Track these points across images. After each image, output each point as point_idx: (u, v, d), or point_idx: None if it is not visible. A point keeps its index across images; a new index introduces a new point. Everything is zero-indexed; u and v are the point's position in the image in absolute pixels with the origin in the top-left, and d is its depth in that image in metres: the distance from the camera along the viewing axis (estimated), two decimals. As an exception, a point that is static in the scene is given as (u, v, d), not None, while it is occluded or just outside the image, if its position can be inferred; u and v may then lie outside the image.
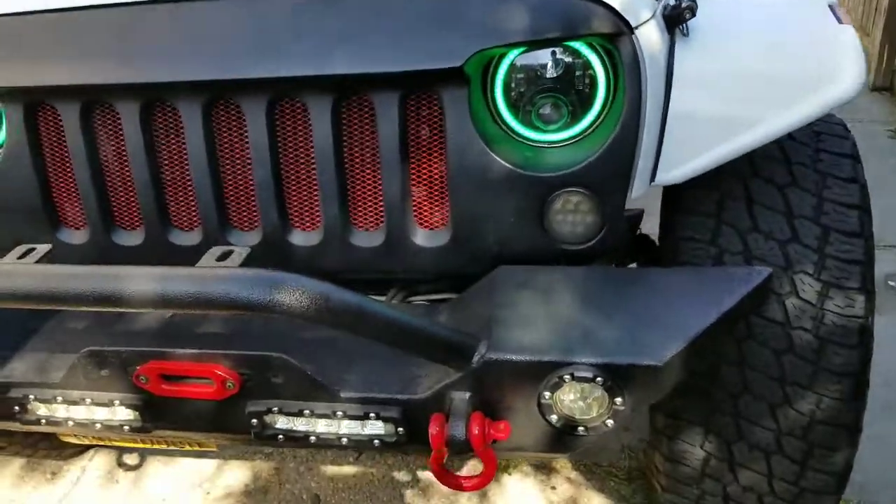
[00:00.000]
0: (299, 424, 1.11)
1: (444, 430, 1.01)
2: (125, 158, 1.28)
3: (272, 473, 2.10)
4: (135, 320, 1.26)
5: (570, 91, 1.17)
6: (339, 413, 1.08)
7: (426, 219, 1.28)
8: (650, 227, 1.41)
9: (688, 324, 1.04)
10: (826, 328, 1.24)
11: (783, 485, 1.37)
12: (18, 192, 1.32)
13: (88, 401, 1.14)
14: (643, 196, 1.23)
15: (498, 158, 1.17)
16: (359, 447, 1.12)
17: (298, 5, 1.16)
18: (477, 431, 1.00)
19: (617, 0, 1.10)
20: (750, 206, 1.31)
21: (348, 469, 2.10)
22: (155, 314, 1.24)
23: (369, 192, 1.27)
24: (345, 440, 1.11)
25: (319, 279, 0.92)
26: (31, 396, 1.16)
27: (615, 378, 1.00)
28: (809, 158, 1.36)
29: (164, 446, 1.38)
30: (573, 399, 1.03)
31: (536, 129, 1.20)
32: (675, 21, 1.19)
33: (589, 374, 1.00)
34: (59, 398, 1.15)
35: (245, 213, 1.31)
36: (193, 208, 1.32)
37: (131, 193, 1.32)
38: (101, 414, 1.16)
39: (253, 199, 1.29)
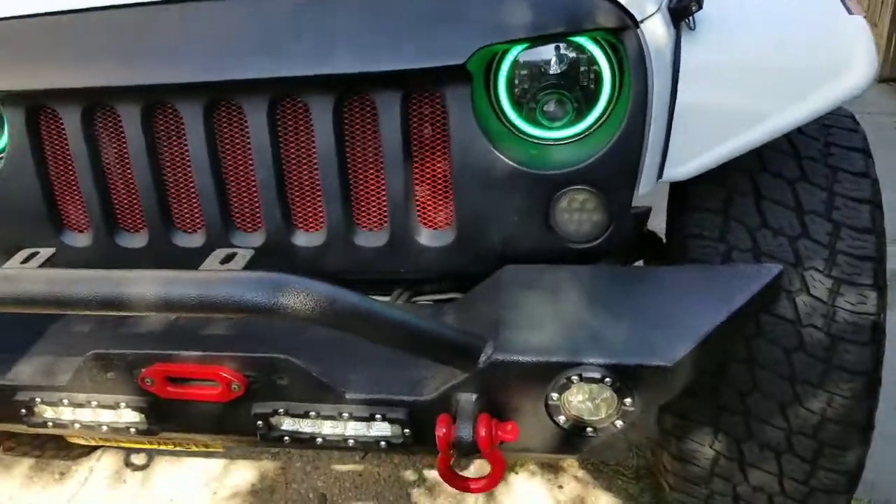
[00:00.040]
0: (305, 426, 1.10)
1: (451, 432, 1.01)
2: (127, 161, 1.28)
3: (279, 473, 2.11)
4: (140, 323, 1.25)
5: (575, 87, 1.16)
6: (345, 414, 1.07)
7: (430, 218, 1.27)
8: (656, 223, 1.40)
9: (697, 323, 1.02)
10: (837, 325, 1.23)
11: (794, 484, 1.36)
12: (21, 195, 1.32)
13: (94, 403, 1.14)
14: (650, 193, 1.21)
15: (502, 156, 1.16)
16: (365, 448, 1.12)
17: (299, 5, 1.15)
18: (484, 433, 0.99)
19: (622, -6, 1.08)
20: (759, 202, 1.30)
21: (354, 468, 2.10)
22: (160, 317, 1.23)
23: (372, 192, 1.26)
24: (351, 441, 1.10)
25: (324, 281, 0.91)
26: (38, 399, 1.16)
27: (624, 379, 0.99)
28: (819, 152, 1.34)
29: (170, 447, 1.38)
30: (581, 400, 1.02)
31: (541, 126, 1.19)
32: (682, 14, 1.17)
33: (597, 375, 0.99)
34: (66, 401, 1.15)
35: (248, 215, 1.31)
36: (196, 210, 1.31)
37: (134, 196, 1.32)
38: (106, 416, 1.16)
39: (256, 200, 1.28)
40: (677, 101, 1.17)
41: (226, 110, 1.23)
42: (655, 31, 1.12)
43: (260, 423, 1.11)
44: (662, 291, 1.13)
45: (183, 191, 1.30)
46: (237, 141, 1.25)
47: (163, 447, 1.38)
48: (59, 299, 0.88)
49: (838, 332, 1.23)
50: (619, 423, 1.03)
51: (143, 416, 1.14)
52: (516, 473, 2.03)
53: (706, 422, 1.35)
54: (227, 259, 0.95)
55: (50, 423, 1.18)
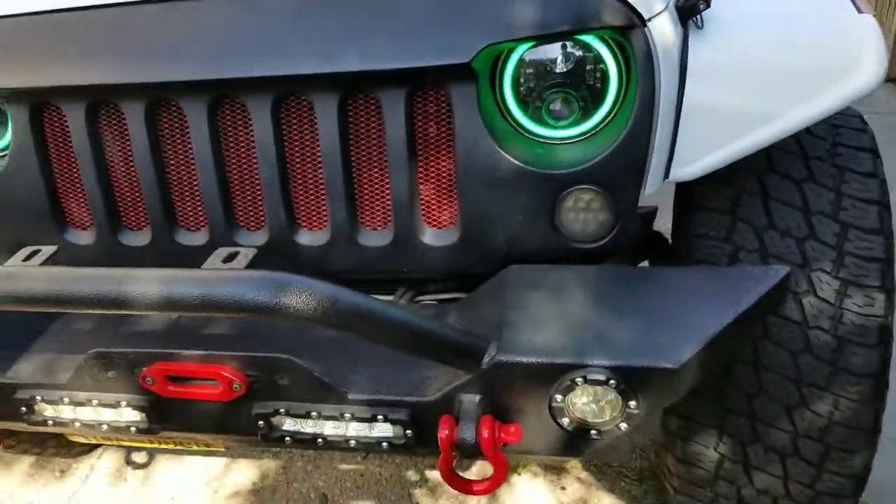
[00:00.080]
0: (306, 426, 1.09)
1: (454, 434, 1.00)
2: (131, 158, 1.28)
3: (280, 472, 2.10)
4: (141, 321, 1.25)
5: (581, 86, 1.15)
6: (347, 415, 1.07)
7: (435, 217, 1.26)
8: (662, 223, 1.39)
9: (704, 325, 1.01)
10: (844, 328, 1.22)
11: (799, 487, 1.35)
12: (25, 193, 1.31)
13: (95, 402, 1.14)
14: (656, 193, 1.20)
15: (507, 156, 1.15)
16: (367, 449, 1.11)
17: (304, 2, 1.14)
18: (487, 435, 0.98)
19: (629, -8, 1.07)
20: (766, 203, 1.29)
21: (356, 468, 2.09)
22: (161, 315, 1.23)
23: (377, 191, 1.25)
24: (353, 442, 1.09)
25: (327, 280, 0.90)
26: (38, 397, 1.16)
27: (629, 381, 0.98)
28: (827, 153, 1.32)
29: (171, 446, 1.38)
30: (586, 402, 1.01)
31: (547, 125, 1.18)
32: (689, 12, 1.16)
33: (602, 377, 0.98)
34: (66, 399, 1.14)
35: (252, 213, 1.30)
36: (200, 208, 1.31)
37: (137, 194, 1.31)
38: (107, 415, 1.15)
39: (259, 198, 1.28)
40: (684, 101, 1.16)
41: (230, 108, 1.22)
42: (663, 29, 1.11)
43: (261, 423, 1.10)
44: (668, 292, 1.12)
45: (186, 189, 1.30)
46: (241, 139, 1.24)
47: (164, 446, 1.37)
48: (60, 298, 0.87)
49: (845, 335, 1.22)
50: (623, 425, 1.02)
51: (143, 415, 1.14)
52: (519, 474, 2.02)
53: (711, 424, 1.34)
54: (230, 258, 0.94)
55: (50, 422, 1.18)
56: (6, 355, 1.22)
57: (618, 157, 1.14)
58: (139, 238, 1.34)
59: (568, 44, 1.13)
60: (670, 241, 1.48)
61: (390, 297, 1.38)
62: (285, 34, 1.14)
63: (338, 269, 1.29)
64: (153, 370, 1.08)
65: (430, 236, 1.25)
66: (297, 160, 1.24)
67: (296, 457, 2.14)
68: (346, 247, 1.27)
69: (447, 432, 1.00)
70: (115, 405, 1.13)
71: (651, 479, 1.96)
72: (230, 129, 1.24)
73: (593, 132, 1.17)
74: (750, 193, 1.29)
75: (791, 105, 1.18)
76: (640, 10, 1.08)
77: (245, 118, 1.22)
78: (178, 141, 1.26)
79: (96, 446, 2.18)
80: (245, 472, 2.11)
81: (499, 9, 1.09)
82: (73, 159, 1.30)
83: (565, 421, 1.03)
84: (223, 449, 1.49)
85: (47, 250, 1.04)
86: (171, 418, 1.15)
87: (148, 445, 1.35)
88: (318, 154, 1.22)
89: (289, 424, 1.10)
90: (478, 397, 1.02)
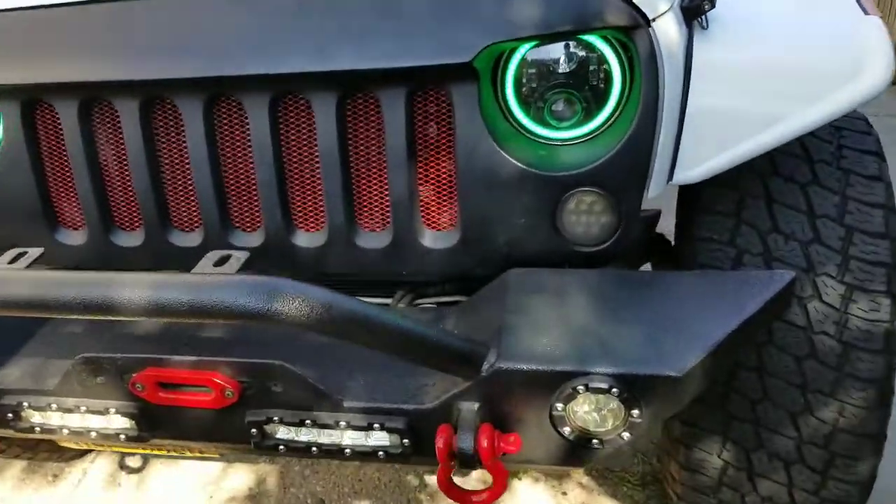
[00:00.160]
0: (301, 434, 1.07)
1: (452, 443, 0.97)
2: (124, 157, 1.26)
3: (276, 477, 2.08)
4: (132, 325, 1.23)
5: (584, 86, 1.13)
6: (342, 423, 1.04)
7: (434, 219, 1.24)
8: (665, 225, 1.37)
9: (708, 331, 0.99)
10: (850, 333, 1.20)
11: (804, 495, 1.33)
12: (16, 192, 1.29)
13: (83, 409, 1.11)
14: (660, 195, 1.18)
15: (509, 157, 1.13)
16: (363, 458, 1.09)
17: (302, -1, 1.12)
18: (486, 444, 0.96)
19: (633, -9, 1.05)
20: (770, 206, 1.27)
21: (354, 473, 2.07)
22: (152, 319, 1.20)
23: (375, 192, 1.23)
24: (348, 451, 1.07)
25: (321, 284, 0.88)
26: (25, 404, 1.14)
27: (632, 389, 0.95)
28: (832, 155, 1.31)
29: (164, 453, 1.35)
30: (587, 411, 0.99)
31: (549, 126, 1.16)
32: (694, 13, 1.14)
33: (604, 385, 0.96)
34: (54, 406, 1.12)
35: (247, 214, 1.28)
36: (194, 209, 1.29)
37: (131, 193, 1.29)
38: (96, 422, 1.13)
39: (255, 199, 1.26)
40: (689, 102, 1.14)
41: (226, 106, 1.20)
42: (667, 29, 1.09)
43: (254, 430, 1.08)
44: (672, 298, 1.10)
45: (181, 189, 1.28)
46: (237, 138, 1.22)
47: (156, 453, 1.34)
48: (44, 303, 0.85)
49: (850, 340, 1.20)
50: (626, 434, 1.00)
51: (133, 422, 1.12)
52: (520, 479, 2.00)
53: (715, 430, 1.33)
54: (221, 262, 0.92)
55: (38, 429, 1.16)
56: None
57: (621, 158, 1.12)
58: (132, 239, 1.32)
59: (571, 43, 1.11)
60: (673, 242, 1.46)
61: (389, 301, 1.36)
62: (283, 31, 1.12)
63: (335, 272, 1.27)
64: (143, 376, 1.06)
65: (429, 238, 1.23)
66: (295, 160, 1.22)
67: (293, 461, 2.12)
68: (343, 249, 1.25)
69: (445, 442, 0.98)
70: (104, 412, 1.11)
71: (653, 485, 1.94)
72: (226, 127, 1.22)
73: (596, 133, 1.15)
74: (754, 196, 1.28)
75: (796, 107, 1.16)
76: (644, 9, 1.06)
77: (241, 117, 1.20)
78: (173, 140, 1.24)
79: (89, 451, 2.15)
80: (241, 476, 2.08)
81: (501, 7, 1.07)
82: (65, 158, 1.27)
83: (566, 430, 1.01)
84: (217, 455, 1.47)
85: (34, 252, 1.01)
86: (161, 426, 1.12)
87: (141, 451, 1.32)
88: (316, 154, 1.20)
89: (282, 432, 1.08)
90: (476, 405, 1.00)
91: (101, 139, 1.26)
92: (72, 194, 1.31)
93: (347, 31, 1.09)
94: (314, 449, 1.08)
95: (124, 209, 1.31)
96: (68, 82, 1.17)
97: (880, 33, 1.18)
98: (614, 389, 0.96)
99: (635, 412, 0.97)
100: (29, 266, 0.99)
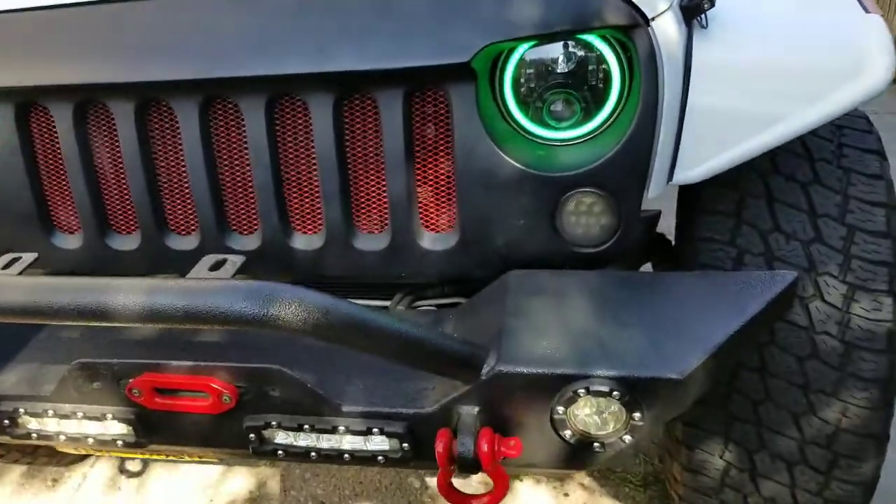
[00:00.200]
0: (299, 440, 1.06)
1: (452, 447, 0.97)
2: (120, 160, 1.25)
3: (277, 480, 2.07)
4: (128, 331, 1.22)
5: (583, 86, 1.12)
6: (341, 428, 1.04)
7: (433, 221, 1.23)
8: (666, 225, 1.36)
9: (710, 333, 0.98)
10: (852, 333, 1.20)
11: (807, 496, 1.32)
12: (10, 195, 1.28)
13: (80, 414, 1.10)
14: (660, 196, 1.17)
15: (507, 158, 1.12)
16: (362, 463, 1.08)
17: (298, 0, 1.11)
18: (486, 448, 0.95)
19: (632, -10, 1.04)
20: (771, 205, 1.26)
21: (355, 476, 2.06)
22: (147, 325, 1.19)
23: (373, 194, 1.22)
24: (347, 456, 1.06)
25: (318, 289, 0.87)
26: (22, 410, 1.13)
27: (633, 392, 0.95)
28: (832, 154, 1.30)
29: (162, 458, 1.34)
30: (588, 414, 0.98)
31: (548, 126, 1.15)
32: (694, 12, 1.13)
33: (605, 388, 0.95)
34: (50, 412, 1.11)
35: (244, 217, 1.27)
36: (190, 212, 1.28)
37: (126, 196, 1.28)
38: (93, 428, 1.12)
39: (252, 201, 1.25)
40: (688, 102, 1.13)
41: (222, 108, 1.19)
42: (666, 29, 1.08)
43: (252, 436, 1.07)
44: (673, 299, 1.09)
45: (177, 191, 1.27)
46: (233, 140, 1.21)
47: (155, 457, 1.33)
48: (38, 309, 0.84)
49: (853, 340, 1.20)
50: (627, 437, 0.99)
51: (130, 428, 1.11)
52: (521, 480, 2.00)
53: (717, 431, 1.32)
54: (217, 266, 0.91)
55: (34, 435, 1.15)
56: None
57: (620, 159, 1.11)
58: (128, 242, 1.31)
59: (570, 43, 1.10)
60: (673, 242, 1.45)
61: (387, 303, 1.35)
62: (279, 32, 1.11)
63: (333, 274, 1.26)
64: (140, 381, 1.05)
65: (427, 240, 1.22)
66: (292, 162, 1.21)
67: (293, 464, 2.11)
68: (341, 251, 1.24)
69: (445, 446, 0.97)
70: (101, 418, 1.10)
71: (655, 485, 1.94)
72: (222, 130, 1.21)
73: (595, 134, 1.14)
74: (755, 196, 1.27)
75: (797, 107, 1.15)
76: (643, 9, 1.05)
77: (238, 119, 1.19)
78: (169, 142, 1.23)
79: (89, 455, 2.14)
80: (241, 479, 2.08)
81: (499, 7, 1.06)
82: (60, 161, 1.27)
83: (567, 433, 1.00)
84: (216, 460, 1.46)
85: (28, 257, 1.00)
86: (158, 431, 1.12)
87: (140, 456, 1.31)
88: (313, 156, 1.19)
89: (281, 438, 1.07)
90: (476, 409, 0.99)
91: (97, 142, 1.25)
92: (67, 198, 1.30)
93: (344, 32, 1.09)
94: (313, 454, 1.07)
95: (120, 212, 1.30)
96: (63, 84, 1.17)
97: (881, 32, 1.17)
98: (615, 392, 0.95)
99: (637, 415, 0.97)
100: (23, 271, 0.99)
